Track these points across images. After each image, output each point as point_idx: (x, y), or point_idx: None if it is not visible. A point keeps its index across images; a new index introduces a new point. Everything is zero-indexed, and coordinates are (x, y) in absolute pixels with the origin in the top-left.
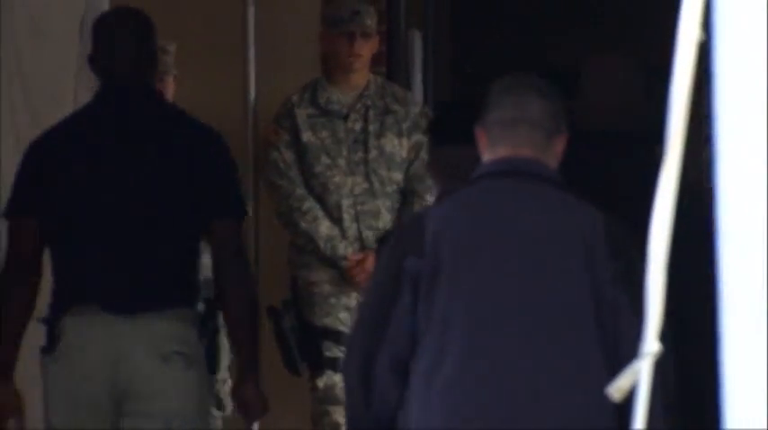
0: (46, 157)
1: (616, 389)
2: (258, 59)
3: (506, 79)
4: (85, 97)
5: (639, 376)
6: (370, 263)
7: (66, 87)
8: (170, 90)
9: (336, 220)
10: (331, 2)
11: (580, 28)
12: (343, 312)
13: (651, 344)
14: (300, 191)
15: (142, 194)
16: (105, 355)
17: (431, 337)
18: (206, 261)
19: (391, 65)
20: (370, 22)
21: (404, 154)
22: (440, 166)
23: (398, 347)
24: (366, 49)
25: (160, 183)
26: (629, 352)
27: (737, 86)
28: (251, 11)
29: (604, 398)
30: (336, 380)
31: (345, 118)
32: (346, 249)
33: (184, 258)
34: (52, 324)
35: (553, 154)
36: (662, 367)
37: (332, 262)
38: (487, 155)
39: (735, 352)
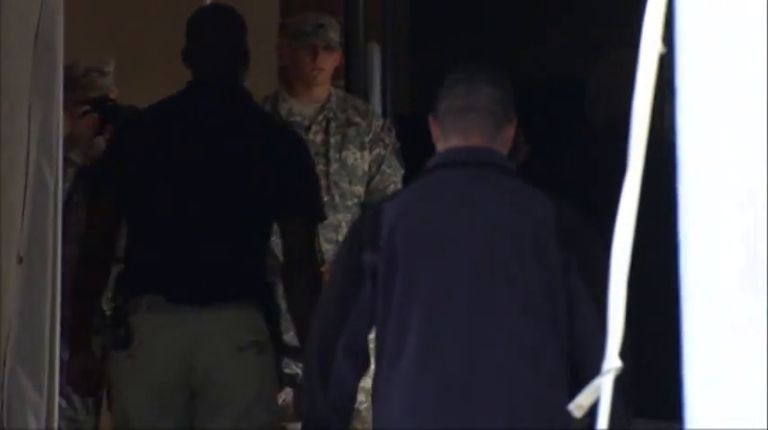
0: (129, 142)
1: (576, 407)
2: None
3: (457, 69)
4: (39, 107)
5: (601, 392)
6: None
7: (21, 96)
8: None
9: None
10: (292, 14)
11: (539, 40)
12: None
13: (612, 361)
14: None
15: (216, 187)
16: (180, 348)
17: (389, 331)
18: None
19: (350, 78)
20: (334, 35)
21: (365, 167)
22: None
23: (357, 337)
24: (329, 62)
25: (235, 177)
26: (585, 350)
27: (699, 97)
28: None
29: (557, 391)
30: None
31: (307, 130)
32: None
33: (255, 251)
34: (121, 316)
35: (503, 141)
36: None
37: None
38: (440, 144)
39: (695, 351)
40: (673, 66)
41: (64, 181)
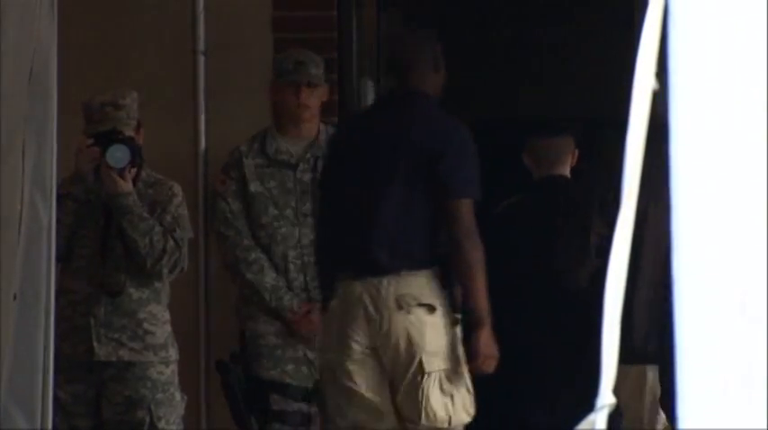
0: (335, 145)
1: None
2: (209, 109)
3: None
4: (33, 144)
5: (595, 427)
6: (317, 314)
7: (15, 133)
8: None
9: (283, 271)
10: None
11: (534, 81)
12: (289, 364)
13: (606, 397)
14: (247, 241)
15: (398, 174)
16: (364, 307)
17: None
18: None
19: (343, 113)
20: (316, 71)
21: None
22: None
23: None
24: (313, 98)
25: (411, 166)
26: None
27: (693, 133)
28: (201, 60)
29: None
30: None
31: (294, 168)
32: (292, 300)
33: (428, 228)
34: (326, 283)
35: None
36: None
37: (277, 313)
38: None
39: (689, 353)
40: (665, 69)
41: (66, 215)
